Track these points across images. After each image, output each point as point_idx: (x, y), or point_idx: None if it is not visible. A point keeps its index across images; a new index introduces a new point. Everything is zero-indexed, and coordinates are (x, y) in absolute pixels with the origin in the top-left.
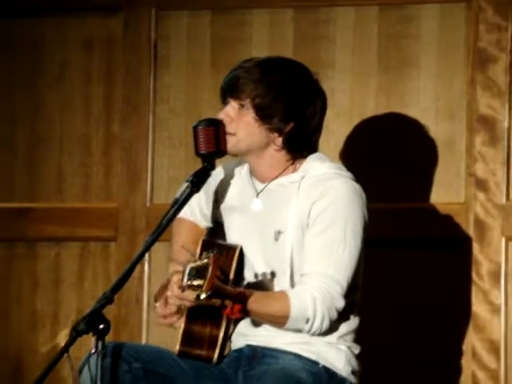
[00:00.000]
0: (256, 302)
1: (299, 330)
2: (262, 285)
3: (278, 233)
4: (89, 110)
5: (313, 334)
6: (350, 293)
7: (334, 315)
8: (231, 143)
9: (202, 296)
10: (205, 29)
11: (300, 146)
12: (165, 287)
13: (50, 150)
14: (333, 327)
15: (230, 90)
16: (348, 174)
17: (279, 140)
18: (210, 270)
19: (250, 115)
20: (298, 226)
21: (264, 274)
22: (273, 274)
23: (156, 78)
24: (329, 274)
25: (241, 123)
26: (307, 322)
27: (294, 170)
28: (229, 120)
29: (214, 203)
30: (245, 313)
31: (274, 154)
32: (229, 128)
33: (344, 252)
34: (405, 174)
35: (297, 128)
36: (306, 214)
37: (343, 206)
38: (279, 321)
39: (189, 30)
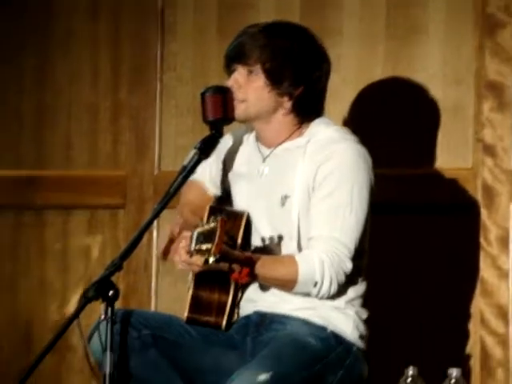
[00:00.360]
0: (264, 266)
1: (307, 294)
2: (269, 250)
3: (285, 197)
4: (96, 78)
5: (321, 298)
6: (357, 257)
7: (342, 278)
8: (241, 109)
9: (211, 260)
10: None
11: (308, 109)
12: (170, 242)
13: (58, 117)
14: (340, 292)
15: (237, 57)
16: (353, 138)
17: (288, 104)
18: (218, 233)
19: (260, 80)
20: (305, 190)
21: (271, 239)
22: (280, 239)
23: (163, 46)
24: (336, 237)
25: (250, 89)
26: (315, 285)
27: (300, 135)
28: (237, 86)
29: (222, 171)
30: (252, 277)
31: (282, 118)
32: (238, 95)
33: (350, 215)
34: (412, 139)
35: (306, 91)
36: (311, 178)
37: (349, 170)
38: (287, 285)
39: None
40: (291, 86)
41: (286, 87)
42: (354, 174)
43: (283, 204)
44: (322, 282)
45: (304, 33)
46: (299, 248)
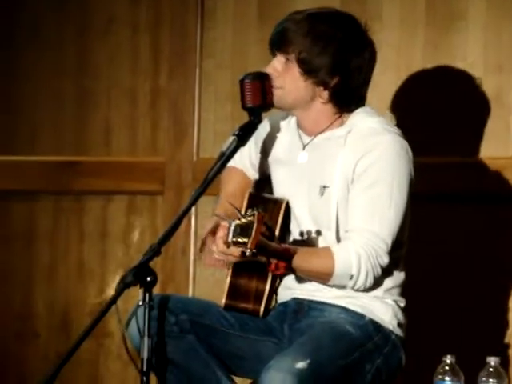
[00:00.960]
0: (301, 258)
1: (343, 286)
2: (308, 240)
3: (324, 187)
4: (136, 63)
5: (357, 290)
6: (396, 248)
7: (379, 272)
8: (277, 96)
9: (247, 253)
10: None
11: (346, 99)
12: (208, 236)
13: (98, 103)
14: (379, 282)
15: (277, 43)
16: (395, 130)
17: (325, 94)
18: (255, 228)
19: (295, 69)
20: (344, 181)
21: (310, 229)
22: (318, 229)
23: (203, 32)
24: (374, 231)
25: (287, 77)
26: (351, 278)
27: (341, 124)
28: (276, 74)
29: (262, 154)
30: (289, 269)
31: (321, 107)
32: (275, 82)
33: (390, 208)
34: (452, 128)
35: (342, 82)
36: (351, 169)
37: (390, 162)
38: (323, 277)
39: None
40: (327, 75)
41: (321, 77)
42: (395, 167)
43: (322, 194)
44: (358, 276)
45: (349, 20)
46: (337, 238)
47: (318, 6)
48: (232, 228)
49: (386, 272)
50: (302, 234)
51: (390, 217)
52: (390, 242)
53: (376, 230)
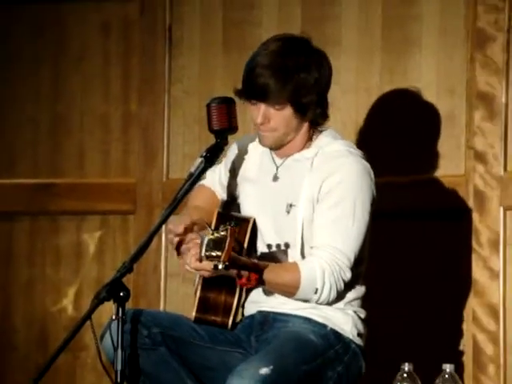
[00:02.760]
0: (269, 272)
1: (308, 300)
2: (274, 256)
3: (290, 206)
4: (108, 89)
5: (320, 304)
6: (357, 264)
7: (341, 286)
8: (272, 139)
9: (220, 266)
10: (217, 11)
11: (321, 119)
12: (181, 239)
13: (71, 127)
14: (340, 295)
15: (262, 97)
16: (358, 152)
17: (307, 121)
18: (228, 241)
19: (288, 111)
20: (310, 201)
21: (276, 246)
22: (284, 246)
23: (171, 59)
24: (338, 247)
25: (281, 120)
26: (316, 292)
27: (309, 146)
28: (267, 120)
29: (231, 176)
30: (260, 282)
31: (302, 133)
32: (267, 127)
33: (353, 227)
34: (407, 147)
35: (323, 105)
36: (317, 189)
37: (353, 183)
38: (290, 290)
39: (201, 13)
40: (315, 107)
41: (310, 113)
42: (358, 187)
43: (288, 212)
44: (323, 290)
45: (316, 53)
46: (302, 255)
47: (279, 32)
48: (205, 242)
49: (348, 285)
50: (268, 249)
51: (353, 234)
52: (352, 258)
53: (339, 246)
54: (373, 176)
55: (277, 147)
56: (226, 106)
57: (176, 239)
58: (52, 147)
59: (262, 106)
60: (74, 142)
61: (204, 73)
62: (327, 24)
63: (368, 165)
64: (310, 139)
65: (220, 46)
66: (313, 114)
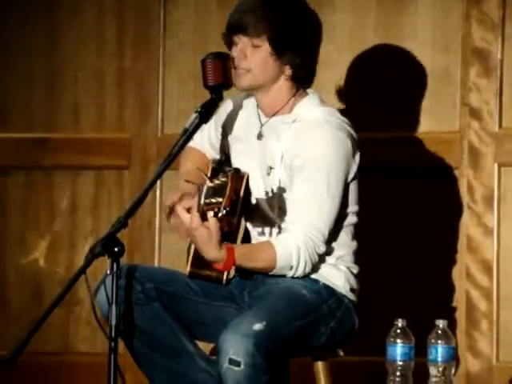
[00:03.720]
0: (244, 255)
1: (284, 275)
2: (261, 210)
3: (270, 168)
4: (102, 45)
5: (296, 278)
6: (345, 218)
7: (316, 259)
8: (247, 79)
9: (220, 214)
10: None
11: (306, 75)
12: (178, 206)
13: (66, 82)
14: (332, 250)
15: (241, 28)
16: (338, 120)
17: (289, 71)
18: (229, 187)
19: (265, 51)
20: (285, 167)
21: (263, 201)
22: (270, 202)
23: (166, 14)
24: (312, 222)
25: (256, 59)
26: (291, 268)
27: (291, 110)
28: (243, 57)
29: (222, 134)
30: (234, 265)
31: (282, 85)
32: (243, 64)
33: (327, 201)
34: (402, 104)
35: (306, 59)
36: (291, 159)
37: (327, 157)
38: (266, 270)
39: None
40: (294, 54)
41: (289, 56)
42: (332, 161)
43: (268, 174)
44: (298, 266)
45: (302, 3)
46: (282, 213)
47: None
48: (204, 191)
49: (339, 241)
50: (257, 201)
51: (327, 208)
52: (326, 232)
53: (314, 221)
54: (349, 145)
55: (252, 88)
56: (222, 62)
57: (167, 211)
58: (46, 102)
59: (241, 42)
60: (68, 97)
61: (199, 28)
62: None
63: (344, 135)
64: (292, 98)
65: (215, 1)
66: (291, 60)
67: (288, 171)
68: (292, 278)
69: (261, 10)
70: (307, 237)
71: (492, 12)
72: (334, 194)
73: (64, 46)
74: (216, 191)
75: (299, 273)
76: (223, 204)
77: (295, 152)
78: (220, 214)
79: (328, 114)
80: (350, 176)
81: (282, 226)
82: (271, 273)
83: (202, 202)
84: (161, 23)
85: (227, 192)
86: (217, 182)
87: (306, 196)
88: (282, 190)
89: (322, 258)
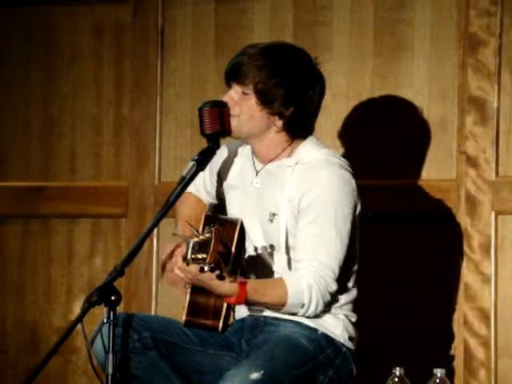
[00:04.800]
0: (256, 290)
1: (295, 314)
2: (262, 259)
3: (273, 214)
4: (100, 93)
5: (308, 317)
6: (346, 268)
7: (328, 298)
8: (234, 125)
9: (206, 268)
10: (209, 16)
11: (299, 128)
12: (168, 261)
13: (63, 131)
14: (330, 301)
15: (233, 76)
16: (339, 161)
17: (280, 123)
18: (213, 243)
19: (252, 99)
20: (290, 211)
21: (264, 249)
22: (272, 250)
23: (163, 63)
24: (322, 261)
25: (244, 107)
26: (303, 307)
27: (290, 154)
28: (232, 103)
29: (217, 181)
30: (246, 302)
31: (274, 136)
32: (232, 111)
33: (335, 239)
34: (399, 152)
35: (297, 112)
36: (297, 201)
37: (332, 195)
38: (277, 307)
39: (194, 17)
40: (282, 106)
41: (276, 107)
42: (338, 198)
43: (271, 221)
44: (309, 304)
45: (301, 54)
46: (288, 260)
47: (271, 38)
48: (190, 245)
49: (339, 290)
50: (256, 252)
51: (336, 246)
52: (337, 270)
53: (324, 259)
54: (354, 184)
55: (241, 137)
56: (218, 110)
57: (163, 260)
58: (44, 150)
59: (233, 88)
60: (65, 145)
61: (196, 76)
62: (319, 29)
63: (348, 174)
64: (290, 145)
65: (212, 50)
66: (279, 111)
67: (295, 215)
68: (306, 316)
69: (255, 59)
70: (318, 275)
71: (488, 61)
72: (342, 232)
73: (61, 94)
74: (201, 246)
75: (310, 311)
76: (207, 260)
77: (300, 194)
78: (206, 269)
79: (328, 155)
80: (357, 213)
81: (292, 256)
82: (282, 310)
83: (189, 256)
84: (158, 71)
85: (211, 249)
86: (202, 237)
87: (315, 235)
88: (287, 235)
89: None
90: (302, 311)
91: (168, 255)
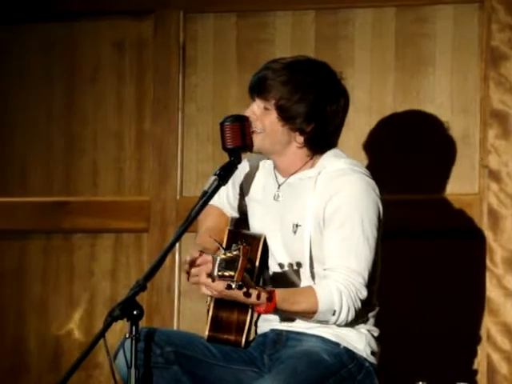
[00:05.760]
0: (285, 299)
1: (326, 321)
2: (285, 274)
3: (296, 226)
4: (121, 108)
5: (339, 325)
6: (370, 283)
7: (359, 305)
8: (258, 140)
9: (233, 286)
10: (230, 30)
11: (320, 144)
12: (192, 265)
13: (85, 146)
14: (357, 314)
15: (256, 90)
16: (362, 170)
17: (301, 139)
18: (241, 261)
19: (273, 115)
20: (315, 220)
21: (288, 265)
22: (297, 265)
23: (184, 78)
24: (351, 267)
25: (265, 122)
26: (334, 314)
27: (312, 165)
28: (254, 118)
29: (240, 195)
30: (275, 311)
31: (296, 151)
32: (254, 126)
33: (364, 244)
34: (422, 166)
35: (317, 128)
36: (322, 210)
37: (359, 201)
38: (308, 315)
39: (215, 32)
40: (303, 122)
41: (298, 123)
42: (364, 204)
43: (295, 232)
44: (341, 311)
45: (325, 69)
46: (311, 273)
47: (293, 52)
48: (217, 262)
49: (362, 305)
50: (280, 267)
51: (365, 252)
52: (366, 276)
53: (353, 265)
54: (378, 192)
55: (263, 152)
56: (240, 125)
57: (187, 266)
58: (66, 165)
59: (255, 102)
60: (87, 160)
61: (217, 91)
62: (340, 43)
63: (372, 181)
64: (311, 159)
65: (234, 65)
66: (300, 127)
67: (320, 225)
68: (337, 324)
69: (279, 74)
70: (348, 281)
71: (510, 74)
72: (370, 238)
73: (83, 109)
74: (228, 264)
75: (342, 318)
76: (235, 277)
77: (325, 202)
78: (233, 287)
79: (351, 164)
80: (381, 221)
81: (315, 271)
82: (314, 319)
83: (215, 273)
84: (179, 86)
85: (239, 266)
86: (229, 254)
87: (343, 241)
88: (311, 246)
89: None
90: (333, 319)
91: (190, 262)
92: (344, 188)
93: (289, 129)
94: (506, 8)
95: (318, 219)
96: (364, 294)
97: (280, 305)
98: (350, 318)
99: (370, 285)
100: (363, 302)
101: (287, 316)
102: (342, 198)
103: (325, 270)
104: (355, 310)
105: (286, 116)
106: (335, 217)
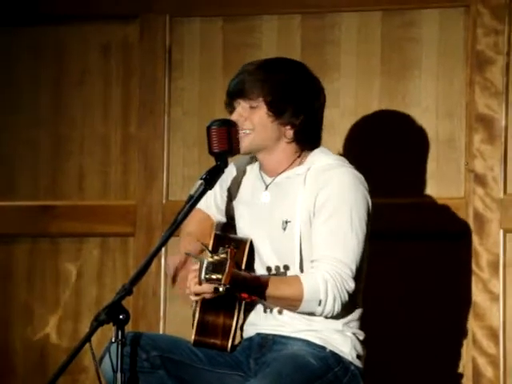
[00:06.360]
0: (271, 285)
1: (312, 313)
2: (275, 275)
3: (286, 222)
4: (108, 112)
5: (325, 317)
6: (356, 279)
7: (346, 297)
8: (248, 140)
9: (221, 289)
10: (216, 34)
11: (309, 137)
12: (178, 269)
13: (71, 150)
14: (338, 315)
15: (239, 93)
16: (350, 166)
17: (290, 133)
18: (228, 264)
19: (262, 111)
20: (305, 216)
21: (275, 268)
22: (284, 268)
23: (170, 82)
24: (338, 258)
25: (255, 119)
26: (320, 303)
27: (300, 163)
28: (242, 119)
29: (228, 198)
30: (262, 297)
31: (285, 147)
32: (244, 126)
33: (352, 236)
34: (408, 170)
35: (307, 120)
36: (312, 203)
37: (347, 193)
38: (293, 303)
39: (201, 36)
40: (293, 115)
41: (287, 117)
42: (352, 196)
43: (284, 229)
44: (326, 300)
45: (299, 66)
46: (301, 271)
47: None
48: (204, 265)
49: (346, 306)
50: (268, 269)
51: (352, 243)
52: (354, 268)
53: (340, 256)
54: (366, 186)
55: (252, 151)
56: (227, 129)
57: (172, 271)
58: (52, 169)
59: (240, 106)
60: (73, 164)
61: (204, 95)
62: (327, 48)
63: (361, 176)
64: (299, 157)
65: (220, 69)
66: (290, 121)
67: (311, 218)
68: (324, 316)
69: (257, 73)
70: (334, 271)
71: (495, 79)
72: (358, 230)
73: (70, 113)
74: (216, 267)
75: (328, 309)
76: (223, 280)
77: (314, 195)
78: (221, 290)
79: (340, 160)
80: (370, 215)
81: (305, 268)
82: (299, 309)
83: (203, 276)
84: (165, 90)
85: (226, 269)
86: (216, 257)
87: (331, 233)
88: (301, 242)
89: (329, 322)
90: (319, 309)
91: (175, 268)
92: (333, 180)
93: (279, 123)
94: (491, 12)
95: (309, 213)
96: (351, 285)
97: (266, 290)
98: (336, 309)
99: (356, 281)
100: (350, 294)
101: (272, 319)
102: (331, 190)
103: (312, 261)
104: (341, 301)
105: (275, 110)
106: (324, 209)
